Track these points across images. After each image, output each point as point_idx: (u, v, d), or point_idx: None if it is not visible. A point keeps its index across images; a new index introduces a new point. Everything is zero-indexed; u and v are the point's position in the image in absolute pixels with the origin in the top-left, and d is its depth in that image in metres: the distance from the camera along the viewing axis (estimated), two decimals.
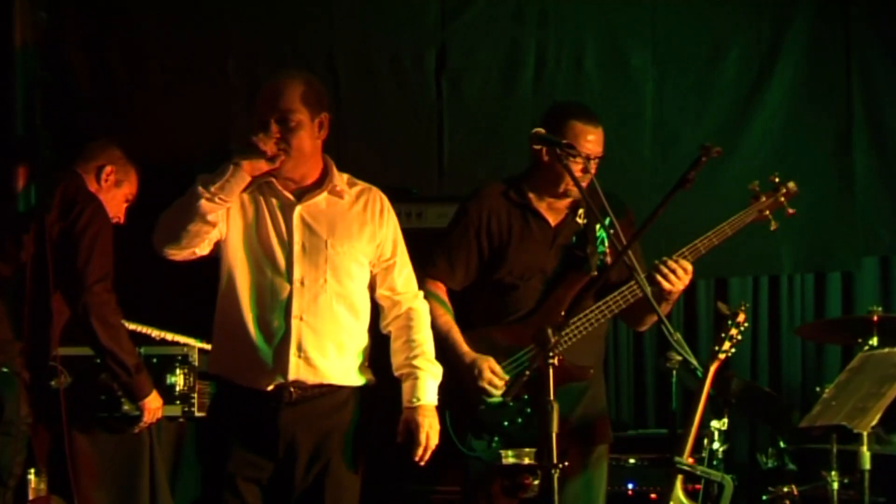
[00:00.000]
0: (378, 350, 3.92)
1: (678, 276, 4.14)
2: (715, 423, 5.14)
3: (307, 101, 3.71)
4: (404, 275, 3.93)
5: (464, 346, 4.21)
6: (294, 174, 3.77)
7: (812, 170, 5.86)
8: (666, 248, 4.26)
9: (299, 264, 3.73)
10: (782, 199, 4.37)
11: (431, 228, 5.12)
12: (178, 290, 5.43)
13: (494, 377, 4.15)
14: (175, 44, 5.91)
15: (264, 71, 5.68)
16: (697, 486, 4.85)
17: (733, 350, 4.55)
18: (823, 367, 6.13)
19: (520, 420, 4.19)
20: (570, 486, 4.18)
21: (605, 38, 6.03)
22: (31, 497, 4.50)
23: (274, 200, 3.77)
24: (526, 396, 4.12)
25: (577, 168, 4.08)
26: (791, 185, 4.38)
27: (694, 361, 4.20)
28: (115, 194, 4.73)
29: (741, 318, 4.54)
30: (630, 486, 5.29)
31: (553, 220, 4.33)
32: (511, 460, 3.96)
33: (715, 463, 5.11)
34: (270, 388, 3.71)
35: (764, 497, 5.21)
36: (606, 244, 4.27)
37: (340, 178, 3.84)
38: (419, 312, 3.93)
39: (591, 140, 4.21)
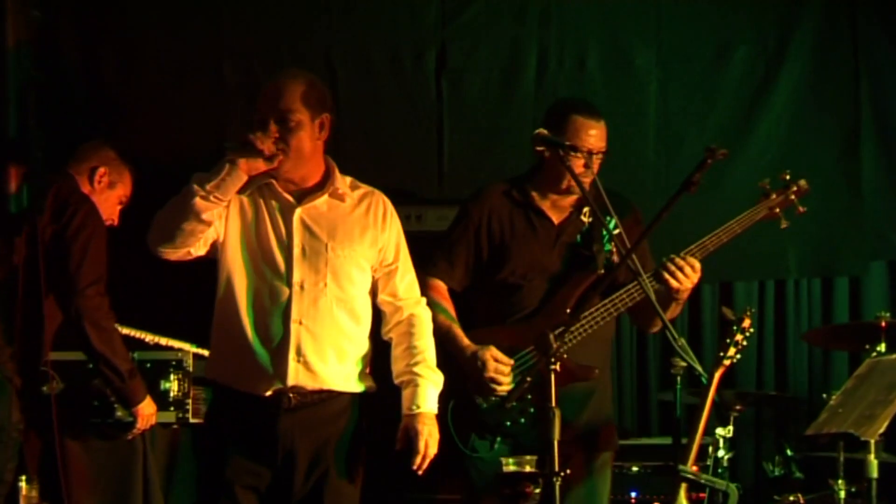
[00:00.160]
0: (379, 357, 3.90)
1: (686, 274, 4.13)
2: (720, 431, 5.14)
3: (308, 102, 3.71)
4: (406, 280, 3.91)
5: (465, 340, 4.22)
6: (294, 175, 3.75)
7: (819, 173, 5.78)
8: (671, 251, 4.23)
9: (299, 268, 3.71)
10: (793, 196, 4.36)
11: (431, 231, 5.14)
12: (172, 295, 5.42)
13: (500, 364, 4.15)
14: (170, 43, 5.89)
15: (260, 71, 5.70)
16: (702, 495, 4.88)
17: (739, 356, 4.51)
18: (830, 373, 6.09)
19: (522, 420, 4.18)
20: (572, 494, 4.17)
21: (608, 37, 6.00)
22: None
23: (274, 202, 3.76)
24: (529, 396, 4.10)
25: (579, 164, 4.12)
26: (802, 182, 4.37)
27: (699, 368, 4.16)
28: (109, 196, 4.72)
29: (747, 323, 4.50)
30: (633, 494, 5.29)
31: (557, 218, 4.33)
32: (512, 468, 3.91)
33: (720, 471, 5.10)
34: (269, 393, 3.69)
35: None
36: (613, 242, 4.27)
37: (343, 181, 3.83)
38: (421, 319, 3.91)
39: (594, 134, 4.21)
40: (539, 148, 4.21)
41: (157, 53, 5.88)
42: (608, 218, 4.11)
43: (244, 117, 3.78)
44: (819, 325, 6.09)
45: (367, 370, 3.84)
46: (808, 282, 6.15)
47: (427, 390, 3.83)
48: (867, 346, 5.24)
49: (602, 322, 4.19)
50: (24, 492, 4.47)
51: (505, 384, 4.15)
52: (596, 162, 4.21)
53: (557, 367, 3.56)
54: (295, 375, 3.67)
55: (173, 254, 3.68)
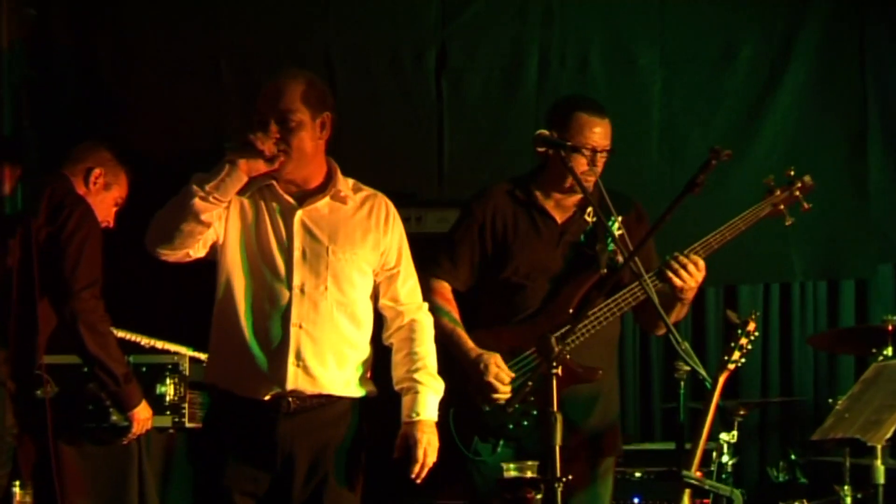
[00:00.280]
0: (380, 363, 3.88)
1: (689, 272, 4.11)
2: (724, 436, 5.16)
3: (308, 101, 3.69)
4: (408, 285, 3.89)
5: (469, 343, 4.20)
6: (296, 176, 3.73)
7: (825, 174, 5.75)
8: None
9: (299, 270, 3.69)
10: (797, 192, 4.34)
11: (431, 233, 5.14)
12: (168, 298, 5.47)
13: (500, 371, 4.13)
14: (167, 42, 5.88)
15: (258, 71, 5.66)
16: (706, 501, 4.90)
17: (743, 360, 4.50)
18: (836, 377, 6.10)
19: (525, 423, 4.16)
20: (575, 500, 4.15)
21: (611, 36, 6.01)
22: None
23: (274, 204, 3.74)
24: (531, 398, 4.06)
25: (583, 162, 4.11)
26: (807, 178, 4.35)
27: (702, 372, 4.14)
28: (105, 197, 4.69)
29: (751, 326, 4.48)
30: (636, 500, 5.29)
31: (560, 217, 4.32)
32: (513, 473, 3.87)
33: (724, 477, 5.12)
34: (268, 397, 3.66)
35: None
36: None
37: (345, 183, 3.81)
38: (422, 325, 3.89)
39: (598, 132, 4.21)
40: (541, 149, 4.19)
41: (154, 52, 5.88)
42: (611, 219, 4.10)
43: (242, 117, 3.74)
44: (825, 329, 6.10)
45: (368, 375, 3.82)
46: (814, 285, 6.16)
47: (427, 397, 3.80)
48: (874, 350, 5.26)
49: (605, 322, 4.17)
50: (18, 497, 4.41)
51: (503, 392, 4.12)
52: (600, 160, 4.20)
53: (559, 370, 3.52)
54: (294, 379, 3.65)
55: (172, 255, 3.65)
